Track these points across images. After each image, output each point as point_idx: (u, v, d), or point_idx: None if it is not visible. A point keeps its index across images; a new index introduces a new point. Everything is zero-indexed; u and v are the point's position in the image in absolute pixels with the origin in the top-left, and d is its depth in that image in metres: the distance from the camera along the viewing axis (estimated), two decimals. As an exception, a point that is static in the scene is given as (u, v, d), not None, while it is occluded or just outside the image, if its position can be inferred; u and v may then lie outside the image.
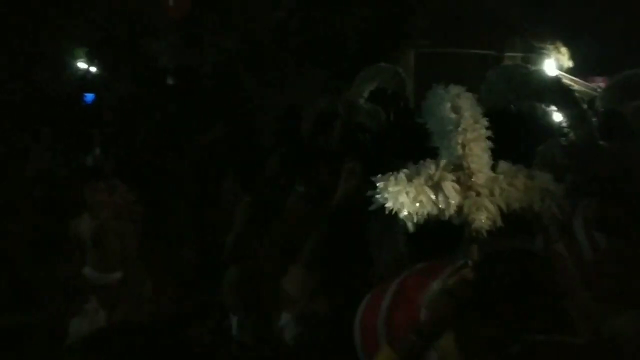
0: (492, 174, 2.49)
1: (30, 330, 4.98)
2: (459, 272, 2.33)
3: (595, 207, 2.98)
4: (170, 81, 12.33)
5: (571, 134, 4.09)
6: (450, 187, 2.39)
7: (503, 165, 2.53)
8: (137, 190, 5.10)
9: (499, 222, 2.44)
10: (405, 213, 2.36)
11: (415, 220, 2.38)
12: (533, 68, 5.51)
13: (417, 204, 2.37)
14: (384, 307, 2.48)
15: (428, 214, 2.39)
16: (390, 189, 2.37)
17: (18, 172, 7.21)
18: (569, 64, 9.73)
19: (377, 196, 2.40)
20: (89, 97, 12.64)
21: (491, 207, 2.42)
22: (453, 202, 2.39)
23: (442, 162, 2.46)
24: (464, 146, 2.43)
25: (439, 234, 2.68)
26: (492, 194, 2.44)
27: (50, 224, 6.54)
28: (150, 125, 8.72)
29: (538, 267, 2.13)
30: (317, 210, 3.47)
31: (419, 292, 2.38)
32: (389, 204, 2.36)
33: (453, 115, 2.45)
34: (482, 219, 2.39)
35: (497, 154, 2.57)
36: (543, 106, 4.22)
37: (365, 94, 5.20)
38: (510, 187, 2.48)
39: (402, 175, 2.41)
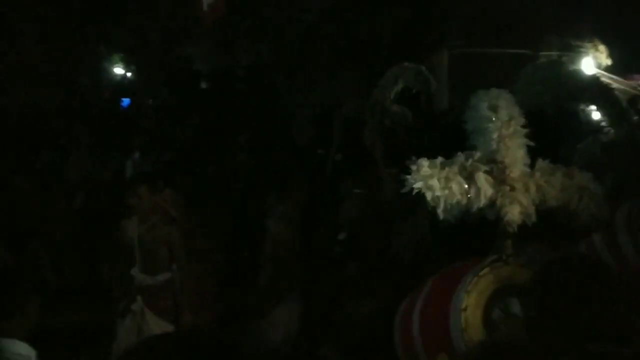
0: (528, 170, 2.49)
1: (81, 329, 5.11)
2: (493, 266, 2.35)
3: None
4: (204, 85, 12.51)
5: (611, 133, 4.02)
6: (482, 177, 2.42)
7: (541, 162, 2.53)
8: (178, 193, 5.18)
9: (534, 218, 2.44)
10: (434, 195, 2.40)
11: (442, 207, 2.41)
12: (570, 67, 5.44)
13: (447, 191, 2.40)
14: (418, 307, 2.52)
15: (457, 203, 2.42)
16: (422, 171, 2.42)
17: (60, 176, 7.38)
18: (607, 62, 9.54)
19: (408, 177, 2.45)
20: (125, 101, 12.92)
21: (525, 201, 2.43)
22: (485, 193, 2.41)
23: (477, 155, 2.49)
24: (499, 141, 2.45)
25: (468, 235, 2.70)
26: (527, 189, 2.44)
27: (94, 227, 6.70)
28: (187, 129, 8.85)
29: (604, 275, 2.11)
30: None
31: (448, 291, 2.41)
32: (418, 185, 2.41)
33: (490, 113, 2.48)
34: (515, 213, 2.40)
35: (536, 153, 2.57)
36: (582, 105, 4.17)
37: (392, 95, 5.23)
38: (547, 185, 2.48)
39: (435, 161, 2.46)
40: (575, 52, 9.52)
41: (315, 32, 10.07)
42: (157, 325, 4.22)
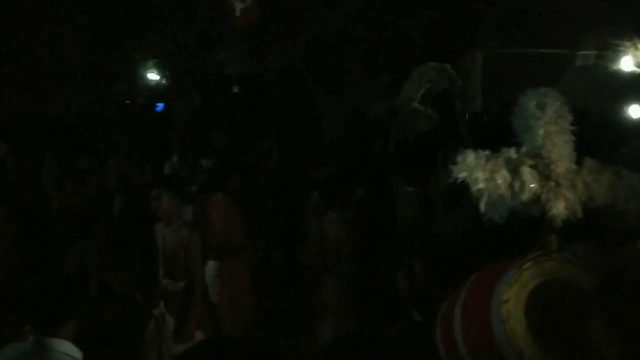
0: (574, 167, 2.48)
1: (108, 330, 5.19)
2: (536, 260, 2.34)
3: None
4: (236, 89, 12.62)
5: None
6: (527, 171, 2.42)
7: (589, 161, 2.52)
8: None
9: (579, 214, 2.43)
10: (478, 187, 2.42)
11: (486, 199, 2.42)
12: (613, 67, 5.35)
13: (491, 183, 2.41)
14: (460, 301, 2.52)
15: (501, 197, 2.42)
16: (467, 162, 2.44)
17: (99, 180, 7.51)
18: (647, 60, 9.34)
19: (454, 167, 2.48)
20: (160, 106, 13.13)
21: (571, 197, 2.42)
22: (529, 186, 2.40)
23: (523, 150, 2.50)
24: (545, 137, 2.46)
25: (513, 233, 2.68)
26: (573, 185, 2.44)
27: (131, 230, 6.81)
28: (222, 133, 8.93)
29: None
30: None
31: (491, 285, 2.41)
32: (462, 175, 2.43)
33: (537, 111, 2.48)
34: (561, 208, 2.40)
35: (583, 152, 2.56)
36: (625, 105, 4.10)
37: (417, 96, 5.22)
38: (594, 183, 2.47)
39: (481, 153, 2.48)
40: (613, 51, 9.34)
41: (346, 36, 10.09)
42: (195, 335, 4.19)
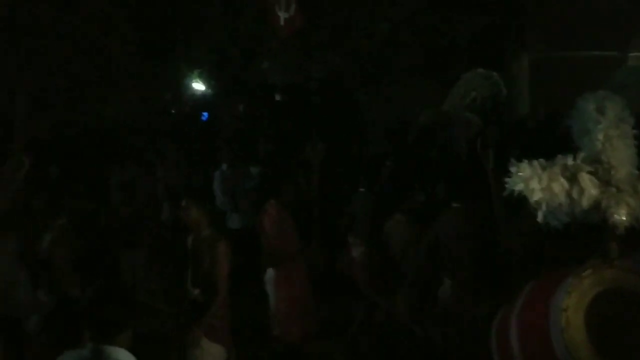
0: (636, 172, 2.42)
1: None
2: (596, 268, 2.28)
3: None
4: (280, 98, 12.71)
5: None
6: (586, 178, 2.36)
7: None
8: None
9: None
10: (536, 199, 2.35)
11: (544, 209, 2.35)
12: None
13: (548, 193, 2.35)
14: (516, 310, 2.48)
15: (560, 206, 2.37)
16: (522, 173, 2.39)
17: (146, 189, 7.65)
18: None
19: (509, 180, 2.42)
20: (205, 115, 13.35)
21: (633, 203, 2.36)
22: (589, 193, 2.34)
23: (580, 156, 2.44)
24: (604, 142, 2.40)
25: (572, 242, 2.61)
26: (636, 191, 2.37)
27: (179, 239, 6.90)
28: (268, 142, 9.00)
29: None
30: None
31: (548, 293, 2.36)
32: (518, 187, 2.37)
33: (597, 115, 2.43)
34: (622, 214, 2.34)
35: None
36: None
37: (464, 102, 5.16)
38: None
39: (536, 162, 2.42)
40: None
41: (391, 42, 10.05)
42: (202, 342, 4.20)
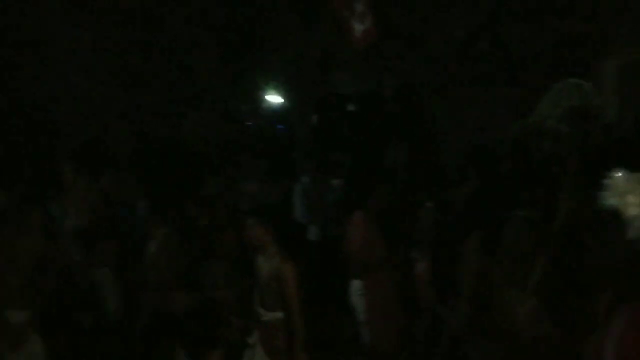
0: None
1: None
2: None
3: None
4: (354, 108, 12.75)
5: None
6: None
7: None
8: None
9: None
10: (632, 214, 2.24)
11: (638, 224, 2.24)
12: None
13: None
14: (614, 334, 2.35)
15: None
16: (618, 187, 2.28)
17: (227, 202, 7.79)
18: None
19: (603, 194, 2.31)
20: (281, 127, 13.55)
21: None
22: None
23: None
24: None
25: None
26: None
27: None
28: (346, 153, 9.02)
29: None
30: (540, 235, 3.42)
31: None
32: (613, 201, 2.27)
33: None
34: None
35: None
36: None
37: (553, 114, 4.99)
38: None
39: (633, 175, 2.30)
40: None
41: (466, 49, 9.88)
42: None
